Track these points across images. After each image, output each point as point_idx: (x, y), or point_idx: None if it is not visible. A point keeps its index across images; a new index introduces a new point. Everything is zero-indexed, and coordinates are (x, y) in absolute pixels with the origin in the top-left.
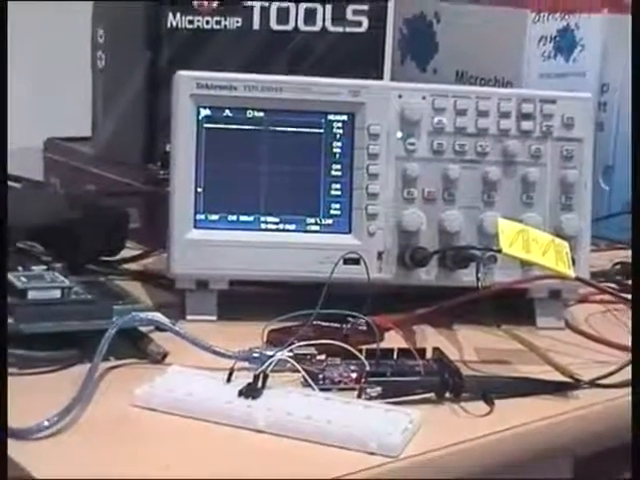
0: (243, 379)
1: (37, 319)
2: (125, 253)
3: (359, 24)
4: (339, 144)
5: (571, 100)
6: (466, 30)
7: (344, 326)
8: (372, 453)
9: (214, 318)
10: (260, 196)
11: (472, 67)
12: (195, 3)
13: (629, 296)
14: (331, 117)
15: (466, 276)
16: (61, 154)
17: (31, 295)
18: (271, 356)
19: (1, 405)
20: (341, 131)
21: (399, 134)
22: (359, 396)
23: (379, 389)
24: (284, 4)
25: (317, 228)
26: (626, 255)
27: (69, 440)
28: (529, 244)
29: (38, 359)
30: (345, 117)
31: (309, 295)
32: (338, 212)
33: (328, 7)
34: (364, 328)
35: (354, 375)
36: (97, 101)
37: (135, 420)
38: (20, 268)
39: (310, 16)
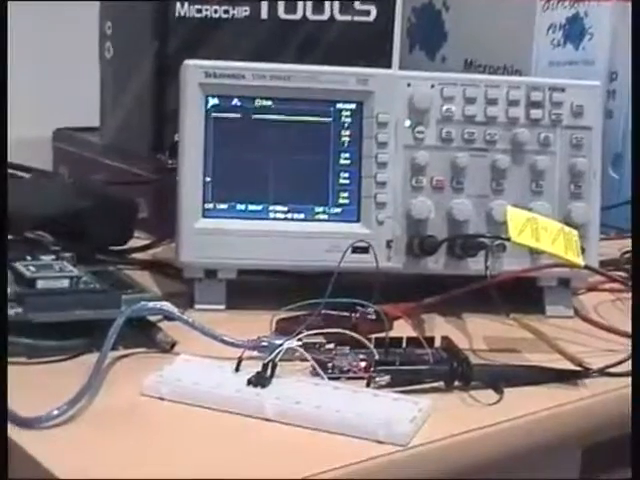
0: (252, 368)
1: (46, 308)
2: (134, 243)
3: (367, 13)
4: (347, 133)
5: (580, 88)
6: (475, 18)
7: (353, 315)
8: (381, 442)
9: (223, 307)
10: (268, 185)
11: (481, 55)
12: None
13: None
14: (340, 106)
15: (475, 264)
16: (70, 144)
17: (40, 284)
18: (280, 345)
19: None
20: (349, 120)
21: (407, 122)
22: (368, 385)
23: (388, 378)
24: None
25: (326, 217)
26: None
27: (78, 429)
28: (538, 232)
29: (47, 348)
30: (354, 106)
31: (318, 284)
32: (347, 201)
33: None
34: (373, 317)
35: (363, 364)
36: (105, 91)
37: (144, 409)
38: (29, 257)
39: (318, 5)
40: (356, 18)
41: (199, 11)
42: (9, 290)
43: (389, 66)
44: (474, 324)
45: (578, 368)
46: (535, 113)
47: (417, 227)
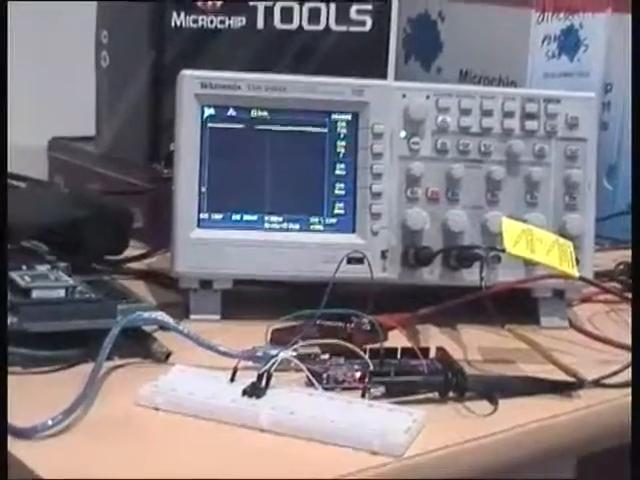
0: (247, 378)
1: (41, 318)
2: (129, 252)
3: (363, 23)
4: (343, 143)
5: (575, 100)
6: (470, 30)
7: (348, 325)
8: (375, 453)
9: (218, 317)
10: (264, 195)
11: (476, 66)
12: (199, 2)
13: None
14: (335, 116)
15: (470, 275)
16: (65, 153)
17: (35, 294)
18: (275, 355)
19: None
20: (345, 130)
21: (403, 133)
22: (363, 396)
23: (383, 389)
24: (288, 3)
25: (321, 227)
26: (630, 255)
27: (73, 439)
28: (533, 243)
29: (42, 358)
30: (349, 116)
31: (313, 294)
32: (342, 211)
33: (332, 6)
34: (368, 327)
35: (358, 374)
36: (101, 100)
37: (139, 419)
38: (24, 267)
39: (314, 15)
40: (352, 28)
41: (195, 21)
42: None
43: (385, 77)
44: (469, 335)
45: (572, 379)
46: (530, 124)
47: (412, 238)
